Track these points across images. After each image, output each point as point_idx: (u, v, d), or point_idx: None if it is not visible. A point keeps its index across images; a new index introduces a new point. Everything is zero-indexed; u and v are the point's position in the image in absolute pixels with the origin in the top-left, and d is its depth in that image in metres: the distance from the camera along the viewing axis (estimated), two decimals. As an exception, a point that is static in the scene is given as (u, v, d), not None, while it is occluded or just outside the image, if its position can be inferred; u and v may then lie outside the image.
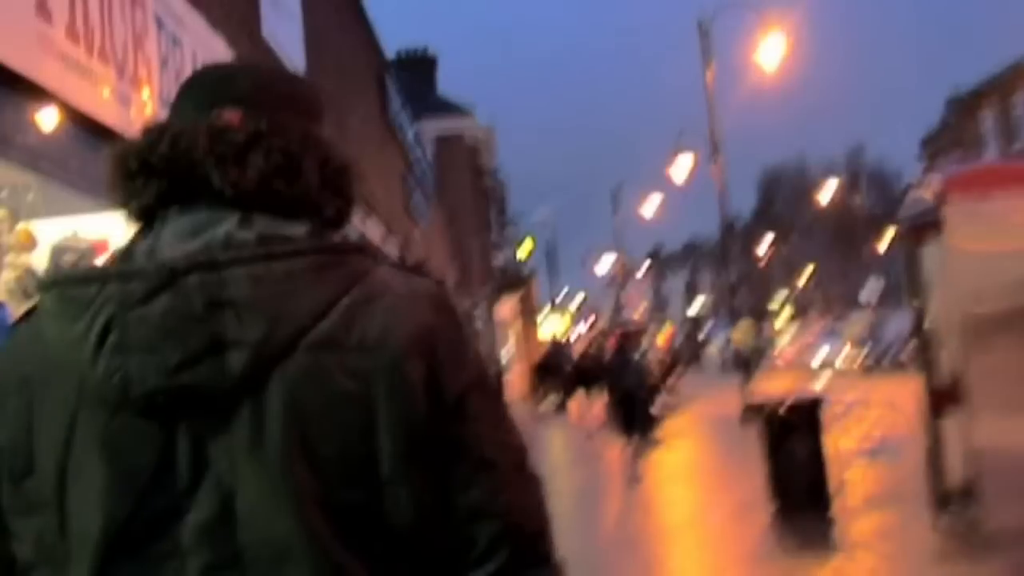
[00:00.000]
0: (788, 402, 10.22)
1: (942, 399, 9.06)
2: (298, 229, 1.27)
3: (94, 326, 1.19)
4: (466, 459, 1.24)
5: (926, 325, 9.42)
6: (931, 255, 9.15)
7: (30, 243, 7.26)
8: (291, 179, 1.27)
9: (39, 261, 7.48)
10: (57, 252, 7.85)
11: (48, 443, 1.23)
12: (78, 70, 5.23)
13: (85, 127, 5.82)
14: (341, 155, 1.35)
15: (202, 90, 1.37)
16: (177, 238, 1.25)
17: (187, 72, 6.96)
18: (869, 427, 11.77)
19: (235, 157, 1.26)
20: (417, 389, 1.22)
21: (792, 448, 9.86)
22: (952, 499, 8.97)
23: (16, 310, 7.01)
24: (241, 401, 1.19)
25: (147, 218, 1.30)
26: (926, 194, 9.08)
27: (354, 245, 1.29)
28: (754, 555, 8.68)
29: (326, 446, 1.19)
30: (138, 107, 6.17)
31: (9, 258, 7.26)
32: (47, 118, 5.62)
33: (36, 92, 5.13)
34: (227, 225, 1.25)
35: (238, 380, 1.18)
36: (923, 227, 9.08)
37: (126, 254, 1.28)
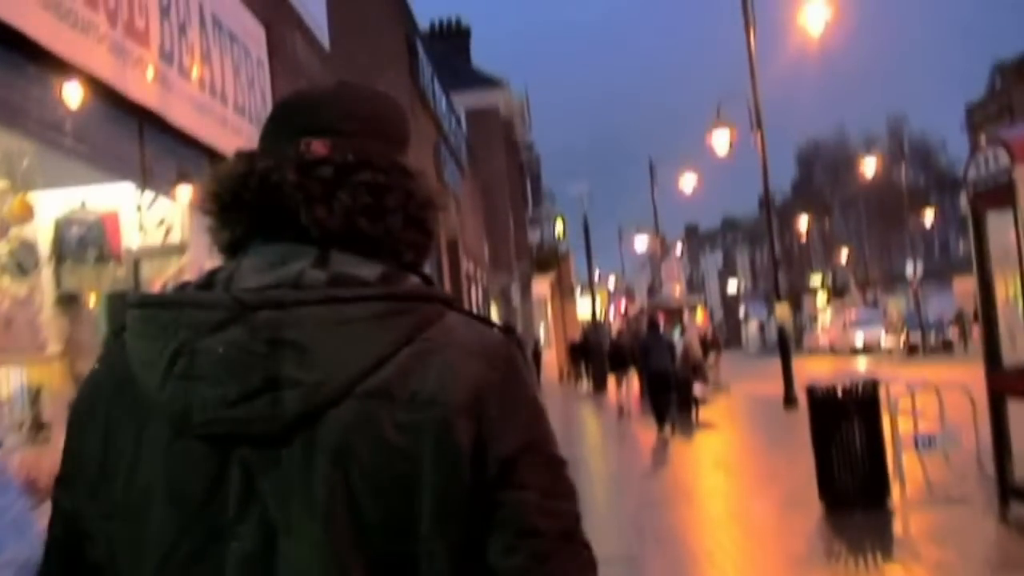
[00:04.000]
0: (843, 386, 9.53)
1: (1010, 381, 8.41)
2: (373, 270, 1.27)
3: (166, 350, 1.24)
4: (510, 526, 1.23)
5: (993, 299, 8.73)
6: (999, 223, 8.46)
7: (27, 213, 6.73)
8: (375, 218, 1.29)
9: (42, 233, 6.98)
10: (62, 225, 7.34)
11: (120, 457, 1.28)
12: (57, 12, 4.65)
13: (76, 82, 5.25)
14: (425, 186, 1.36)
15: (290, 119, 1.38)
16: (254, 271, 1.28)
17: (192, 24, 6.38)
18: (921, 413, 11.02)
19: (323, 194, 1.27)
20: (464, 450, 1.21)
21: (846, 435, 9.21)
22: (1021, 492, 8.33)
23: (9, 286, 6.50)
24: (293, 440, 1.21)
25: (232, 249, 1.34)
26: (993, 158, 8.36)
27: (423, 293, 1.29)
28: (805, 553, 8.06)
29: (369, 496, 1.20)
30: (135, 61, 5.60)
31: (13, 231, 6.75)
32: (31, 72, 5.07)
33: (12, 39, 4.56)
34: (301, 263, 1.27)
35: (290, 420, 1.20)
36: (991, 193, 8.39)
37: (207, 282, 1.31)
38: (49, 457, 5.06)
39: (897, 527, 8.61)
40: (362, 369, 1.21)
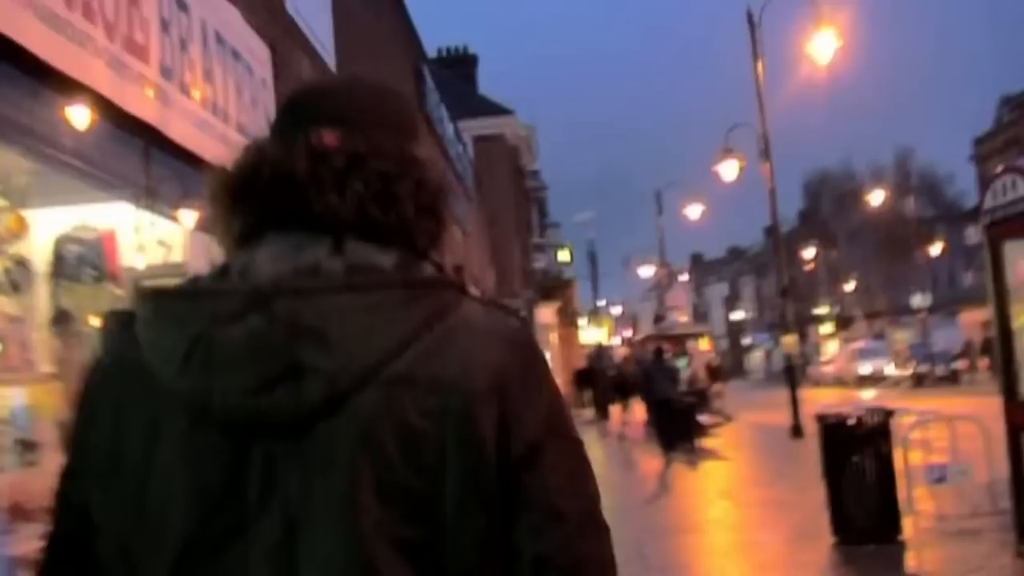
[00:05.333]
0: (855, 414, 9.33)
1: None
2: (388, 258, 1.28)
3: (183, 341, 1.22)
4: (536, 508, 1.24)
5: (1009, 330, 8.54)
6: (1014, 252, 8.29)
7: (21, 230, 6.59)
8: (387, 205, 1.29)
9: (38, 251, 6.84)
10: (61, 243, 7.20)
11: (133, 449, 1.26)
12: (54, 24, 4.52)
13: (77, 98, 5.12)
14: (436, 175, 1.36)
15: (300, 110, 1.39)
16: (270, 261, 1.27)
17: (193, 40, 6.25)
18: (932, 444, 10.79)
19: (335, 183, 1.27)
20: (488, 434, 1.22)
21: (858, 466, 9.01)
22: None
23: (1, 304, 6.35)
24: (314, 428, 1.20)
25: (244, 240, 1.32)
26: (1011, 186, 8.22)
27: (440, 280, 1.30)
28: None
29: (393, 481, 1.19)
30: (134, 76, 5.47)
31: (9, 248, 6.61)
32: (30, 87, 4.94)
33: (8, 51, 4.42)
34: (319, 251, 1.27)
35: (312, 408, 1.19)
36: (1007, 222, 8.24)
37: (221, 272, 1.30)
38: (39, 480, 4.89)
39: (911, 561, 8.40)
40: (383, 355, 1.20)
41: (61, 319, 6.56)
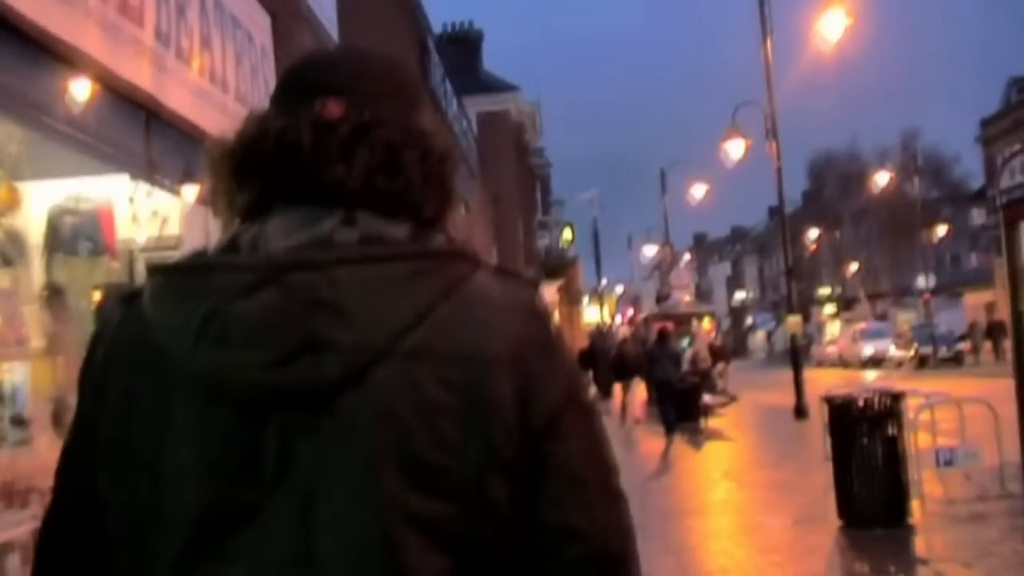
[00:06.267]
0: (863, 397, 9.19)
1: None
2: (400, 230, 1.26)
3: (195, 317, 1.20)
4: (557, 477, 1.23)
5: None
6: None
7: (12, 201, 6.43)
8: (393, 175, 1.27)
9: (31, 223, 6.69)
10: (56, 215, 7.04)
11: (144, 426, 1.24)
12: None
13: (74, 68, 4.95)
14: (441, 144, 1.33)
15: (304, 80, 1.36)
16: (280, 234, 1.25)
17: (191, 9, 6.08)
18: (938, 427, 10.63)
19: (340, 153, 1.25)
20: (508, 404, 1.22)
21: (866, 449, 8.87)
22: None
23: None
24: (333, 403, 1.19)
25: (250, 213, 1.29)
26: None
27: (454, 251, 1.28)
28: (824, 572, 7.73)
29: (412, 454, 1.18)
30: (128, 40, 5.30)
31: (5, 220, 6.46)
32: (24, 54, 4.77)
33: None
34: (330, 223, 1.25)
35: (331, 382, 1.18)
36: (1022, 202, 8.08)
37: (230, 246, 1.27)
38: (28, 459, 4.76)
39: (919, 545, 8.27)
40: (401, 327, 1.19)
41: (54, 293, 6.42)
